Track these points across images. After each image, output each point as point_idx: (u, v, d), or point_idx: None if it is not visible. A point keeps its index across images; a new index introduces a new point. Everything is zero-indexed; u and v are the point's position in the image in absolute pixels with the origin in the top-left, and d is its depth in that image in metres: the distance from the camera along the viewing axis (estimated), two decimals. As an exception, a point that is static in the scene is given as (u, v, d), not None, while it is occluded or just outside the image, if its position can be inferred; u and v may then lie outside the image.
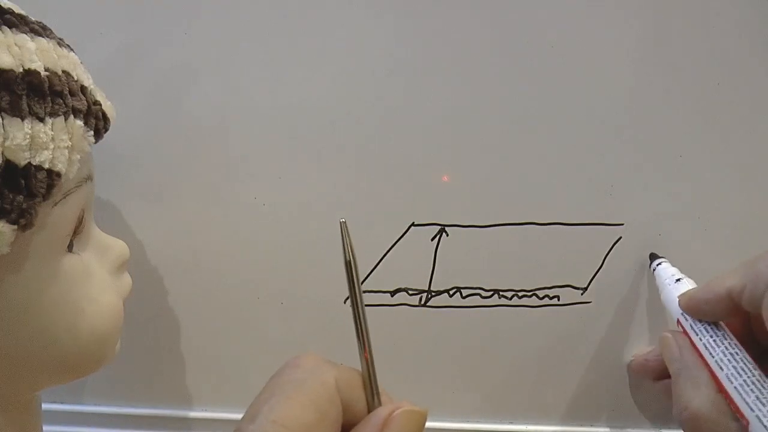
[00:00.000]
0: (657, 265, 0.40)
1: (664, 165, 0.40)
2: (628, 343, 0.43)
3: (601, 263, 0.42)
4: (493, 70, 0.38)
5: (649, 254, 0.41)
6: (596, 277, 0.42)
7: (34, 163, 0.24)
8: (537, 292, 0.42)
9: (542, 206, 0.41)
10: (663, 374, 0.37)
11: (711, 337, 0.33)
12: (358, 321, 0.24)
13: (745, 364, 0.31)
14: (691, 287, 0.36)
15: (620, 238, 0.41)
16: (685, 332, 0.35)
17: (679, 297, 0.35)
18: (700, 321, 0.34)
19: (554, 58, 0.38)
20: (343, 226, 0.23)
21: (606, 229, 0.41)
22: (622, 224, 0.41)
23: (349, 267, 0.23)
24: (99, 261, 0.32)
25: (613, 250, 0.41)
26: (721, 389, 0.31)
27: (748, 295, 0.30)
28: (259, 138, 0.40)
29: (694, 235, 0.41)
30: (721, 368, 0.31)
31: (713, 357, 0.32)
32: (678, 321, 0.35)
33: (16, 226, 0.24)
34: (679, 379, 0.33)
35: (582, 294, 0.42)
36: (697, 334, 0.33)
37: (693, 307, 0.34)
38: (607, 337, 0.43)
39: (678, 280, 0.37)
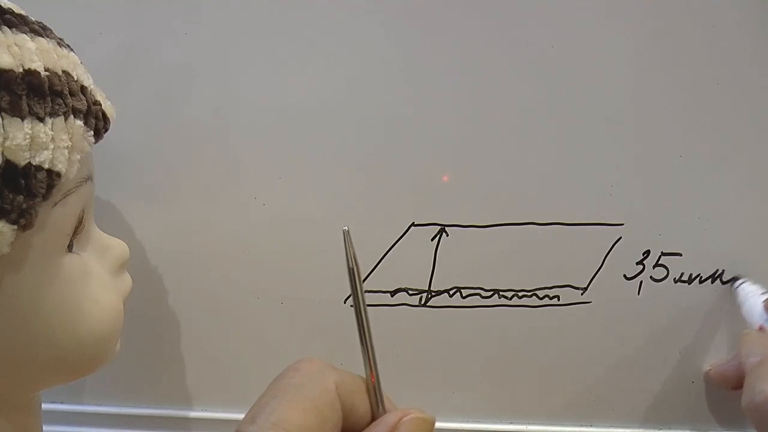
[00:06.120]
0: (741, 283, 0.41)
1: (664, 165, 0.40)
2: (628, 343, 0.43)
3: (601, 263, 0.42)
4: (492, 71, 0.38)
5: (731, 276, 0.42)
6: (596, 277, 0.42)
7: (34, 163, 0.24)
8: (537, 292, 0.42)
9: (542, 206, 0.41)
10: (741, 383, 0.38)
11: None
12: (361, 327, 0.23)
13: None
14: None
15: (620, 238, 0.41)
16: None
17: (764, 301, 0.37)
18: None
19: (554, 58, 0.38)
20: (346, 235, 0.23)
21: (606, 229, 0.41)
22: (622, 224, 0.41)
23: (352, 274, 0.23)
24: (99, 261, 0.32)
25: (613, 250, 0.41)
26: None
27: None
28: (259, 138, 0.40)
29: (693, 235, 0.41)
30: None
31: None
32: (761, 327, 0.38)
33: (16, 226, 0.24)
34: (759, 367, 0.35)
35: (582, 294, 0.42)
36: None
37: None
38: (607, 336, 0.43)
39: (764, 293, 0.39)
